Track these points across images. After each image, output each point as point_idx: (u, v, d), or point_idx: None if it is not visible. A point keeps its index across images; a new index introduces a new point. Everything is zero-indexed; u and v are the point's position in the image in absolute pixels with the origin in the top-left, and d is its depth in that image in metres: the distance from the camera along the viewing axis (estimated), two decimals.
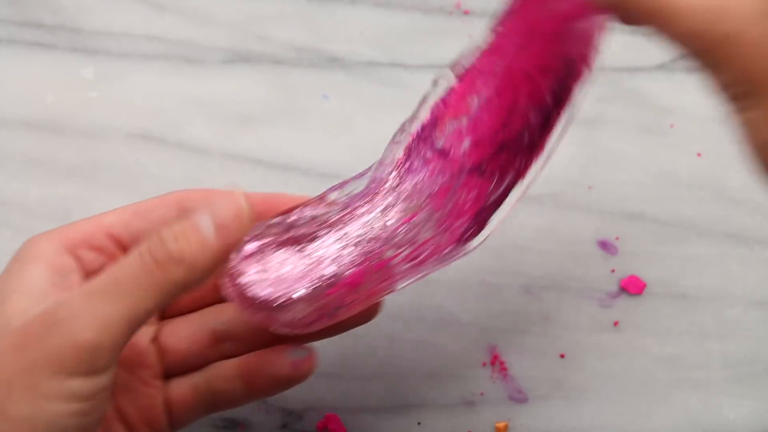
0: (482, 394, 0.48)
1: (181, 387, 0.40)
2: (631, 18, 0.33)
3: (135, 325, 0.33)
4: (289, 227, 0.37)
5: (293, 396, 0.48)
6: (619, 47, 0.52)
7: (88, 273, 0.37)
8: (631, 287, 0.49)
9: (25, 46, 0.52)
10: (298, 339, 0.40)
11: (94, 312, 0.32)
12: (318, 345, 0.49)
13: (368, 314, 0.41)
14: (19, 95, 0.52)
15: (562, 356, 0.48)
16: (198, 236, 0.34)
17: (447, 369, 0.48)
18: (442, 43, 0.52)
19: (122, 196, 0.50)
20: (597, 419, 0.48)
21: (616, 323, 0.49)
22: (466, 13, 0.52)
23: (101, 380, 0.33)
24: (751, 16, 0.29)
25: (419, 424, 0.48)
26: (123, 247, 0.38)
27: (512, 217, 0.49)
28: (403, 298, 0.49)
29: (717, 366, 0.48)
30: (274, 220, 0.38)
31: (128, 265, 0.33)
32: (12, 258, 0.37)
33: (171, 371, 0.40)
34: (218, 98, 0.52)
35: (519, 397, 0.48)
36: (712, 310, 0.49)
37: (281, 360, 0.39)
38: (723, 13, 0.30)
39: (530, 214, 0.50)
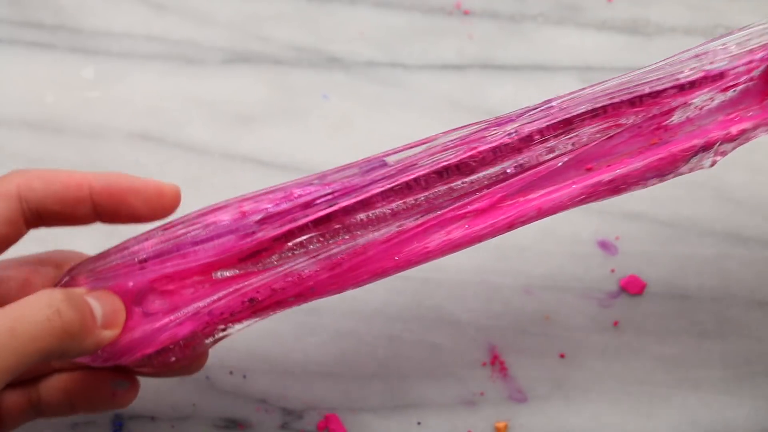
0: (482, 394, 0.48)
1: (13, 397, 0.40)
2: None
3: (14, 376, 0.33)
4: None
5: (293, 396, 0.48)
6: (618, 47, 0.52)
7: None
8: (631, 287, 0.49)
9: (26, 46, 0.52)
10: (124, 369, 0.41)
11: None
12: (318, 345, 0.49)
13: (197, 364, 0.41)
14: (19, 95, 0.52)
15: (562, 356, 0.48)
16: (93, 320, 0.36)
17: (447, 369, 0.48)
18: (442, 43, 0.52)
19: None
20: (597, 419, 0.48)
21: (616, 323, 0.49)
22: (466, 13, 0.52)
23: None
24: None
25: (419, 424, 0.48)
26: None
27: None
28: (403, 298, 0.49)
29: (717, 366, 0.48)
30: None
31: (27, 320, 0.33)
32: None
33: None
34: (218, 98, 0.52)
35: (519, 397, 0.48)
36: (712, 310, 0.49)
37: (103, 387, 0.40)
38: None
39: None
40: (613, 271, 0.49)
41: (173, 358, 0.38)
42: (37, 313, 0.34)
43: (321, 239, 0.37)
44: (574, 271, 0.49)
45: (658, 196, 0.50)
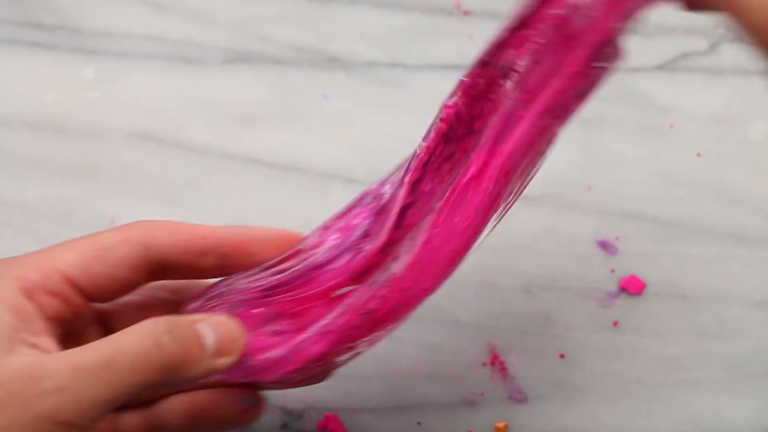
0: (482, 394, 0.48)
1: (132, 420, 0.40)
2: (699, 3, 0.34)
3: (113, 408, 0.33)
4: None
5: (293, 395, 0.48)
6: None
7: (48, 318, 0.36)
8: (631, 287, 0.49)
9: (26, 47, 0.52)
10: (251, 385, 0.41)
11: (80, 394, 0.32)
12: None
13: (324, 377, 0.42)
14: (19, 95, 0.52)
15: (562, 356, 0.48)
16: (201, 348, 0.35)
17: (447, 369, 0.48)
18: (442, 43, 0.52)
19: (122, 196, 0.50)
20: (597, 419, 0.48)
21: (616, 323, 0.49)
22: (466, 13, 0.52)
23: None
24: None
25: (419, 424, 0.48)
26: (80, 290, 0.37)
27: (512, 216, 0.49)
28: None
29: (717, 366, 0.48)
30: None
31: (125, 352, 0.33)
32: None
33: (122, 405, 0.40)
34: (218, 98, 0.52)
35: (519, 397, 0.48)
36: (712, 310, 0.49)
37: (231, 404, 0.40)
38: None
39: (530, 214, 0.50)
40: (613, 271, 0.49)
41: (306, 375, 0.38)
42: (136, 344, 0.33)
43: (403, 240, 0.38)
44: (574, 271, 0.49)
45: (658, 196, 0.50)
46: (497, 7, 0.53)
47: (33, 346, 0.34)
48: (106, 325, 0.39)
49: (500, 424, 0.48)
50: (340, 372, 0.48)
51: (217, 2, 0.53)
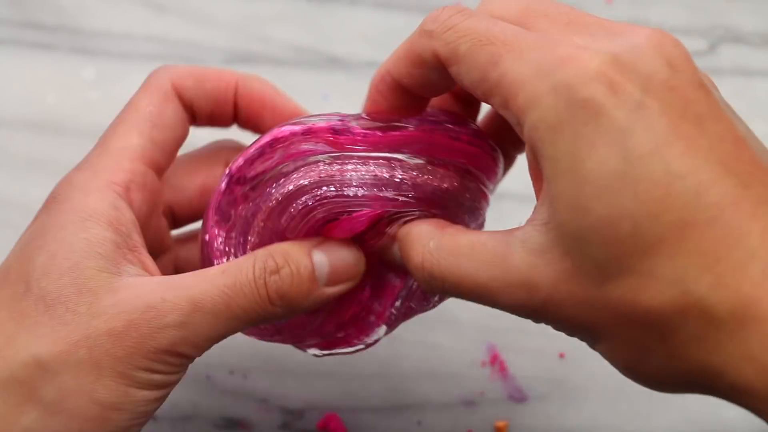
0: (482, 393, 0.48)
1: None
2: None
3: (221, 340, 0.34)
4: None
5: (293, 395, 0.48)
6: None
7: (141, 221, 0.36)
8: None
9: (26, 47, 0.53)
10: None
11: (198, 330, 0.33)
12: None
13: None
14: (19, 96, 0.52)
15: (561, 356, 0.49)
16: (312, 282, 0.35)
17: (447, 369, 0.48)
18: None
19: None
20: (597, 419, 0.48)
21: None
22: None
23: (181, 374, 0.34)
24: (554, 278, 0.30)
25: (419, 423, 0.48)
26: (157, 168, 0.37)
27: (512, 216, 0.49)
28: None
29: None
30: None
31: (241, 290, 0.33)
32: (54, 204, 0.35)
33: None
34: None
35: (519, 397, 0.48)
36: None
37: None
38: (529, 286, 0.30)
39: (530, 214, 0.50)
40: None
41: None
42: (249, 282, 0.33)
43: None
44: None
45: None
46: None
47: (136, 262, 0.34)
48: (174, 214, 0.40)
49: (500, 424, 0.48)
50: (340, 372, 0.48)
51: (218, 3, 0.53)
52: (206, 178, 0.40)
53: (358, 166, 0.34)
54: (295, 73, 0.52)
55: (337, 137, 0.34)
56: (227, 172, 0.35)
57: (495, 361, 0.48)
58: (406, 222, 0.35)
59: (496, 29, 0.31)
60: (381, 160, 0.34)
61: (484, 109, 0.39)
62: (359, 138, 0.34)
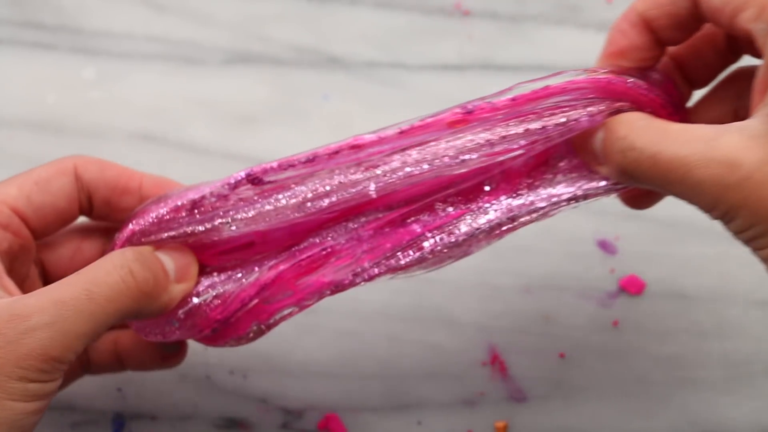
0: (482, 393, 0.48)
1: None
2: (641, 186, 0.36)
3: (95, 339, 0.34)
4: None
5: (293, 395, 0.48)
6: None
7: (2, 254, 0.37)
8: (631, 287, 0.49)
9: (27, 47, 0.53)
10: None
11: (64, 327, 0.33)
12: (318, 345, 0.49)
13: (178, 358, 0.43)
14: (20, 95, 0.52)
15: (561, 356, 0.49)
16: (166, 275, 0.37)
17: (447, 369, 0.48)
18: (442, 43, 0.52)
19: None
20: (597, 419, 0.48)
21: (615, 323, 0.49)
22: (466, 13, 0.52)
23: (57, 383, 0.34)
24: (757, 162, 0.31)
25: (419, 423, 0.48)
26: (26, 222, 0.38)
27: None
28: (403, 298, 0.49)
29: (717, 366, 0.48)
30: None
31: (102, 283, 0.34)
32: None
33: None
34: (218, 98, 0.52)
35: (519, 397, 0.48)
36: (712, 310, 0.49)
37: (152, 349, 0.42)
38: (732, 162, 0.32)
39: None
40: (612, 271, 0.49)
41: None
42: (111, 274, 0.34)
43: None
44: (573, 271, 0.49)
45: None
46: (497, 8, 0.53)
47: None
48: (44, 269, 0.41)
49: (500, 424, 0.48)
50: (340, 372, 0.48)
51: (218, 3, 0.53)
52: (81, 242, 0.41)
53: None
54: (295, 73, 0.52)
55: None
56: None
57: (495, 361, 0.48)
58: None
59: None
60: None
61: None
62: None
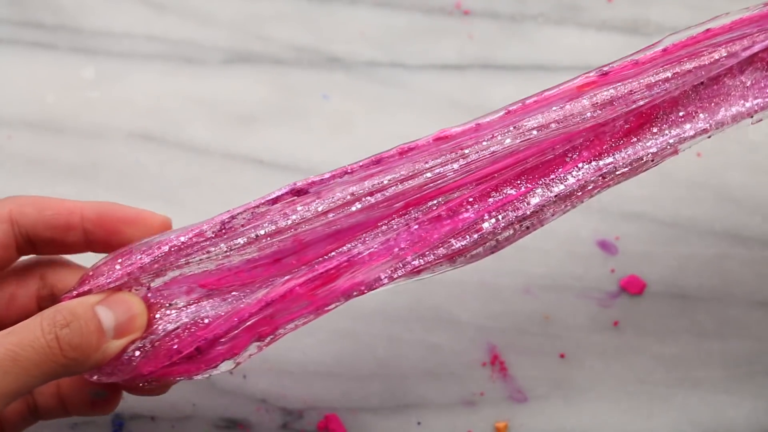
0: (482, 394, 0.48)
1: (13, 403, 0.40)
2: None
3: (17, 398, 0.34)
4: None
5: (293, 396, 0.48)
6: (618, 47, 0.52)
7: None
8: (631, 287, 0.49)
9: (26, 47, 0.52)
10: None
11: None
12: (318, 345, 0.49)
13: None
14: (19, 95, 0.52)
15: (562, 356, 0.48)
16: (100, 334, 0.35)
17: (447, 369, 0.48)
18: (442, 43, 0.52)
19: (122, 196, 0.50)
20: (597, 419, 0.48)
21: (616, 323, 0.49)
22: (466, 13, 0.52)
23: None
24: None
25: (419, 423, 0.48)
26: None
27: None
28: (402, 298, 0.49)
29: (717, 366, 0.48)
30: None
31: (30, 345, 0.34)
32: None
33: None
34: (218, 98, 0.52)
35: (519, 397, 0.48)
36: (712, 310, 0.49)
37: (84, 393, 0.40)
38: None
39: None
40: (613, 271, 0.49)
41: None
42: (38, 339, 0.34)
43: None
44: (573, 271, 0.49)
45: (658, 196, 0.50)
46: (497, 7, 0.53)
47: None
48: None
49: (500, 424, 0.48)
50: (339, 372, 0.48)
51: (218, 2, 0.53)
52: (16, 288, 0.40)
53: None
54: (295, 72, 0.52)
55: None
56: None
57: (495, 361, 0.48)
58: None
59: None
60: None
61: None
62: None
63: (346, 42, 0.52)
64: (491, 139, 0.37)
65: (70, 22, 0.53)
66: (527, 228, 0.38)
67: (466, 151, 0.37)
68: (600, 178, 0.37)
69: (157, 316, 0.37)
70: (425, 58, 0.52)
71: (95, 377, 0.37)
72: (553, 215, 0.38)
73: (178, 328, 0.37)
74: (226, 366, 0.37)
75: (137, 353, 0.37)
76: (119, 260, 0.37)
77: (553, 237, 0.49)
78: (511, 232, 0.38)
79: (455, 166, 0.37)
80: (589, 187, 0.37)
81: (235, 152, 0.51)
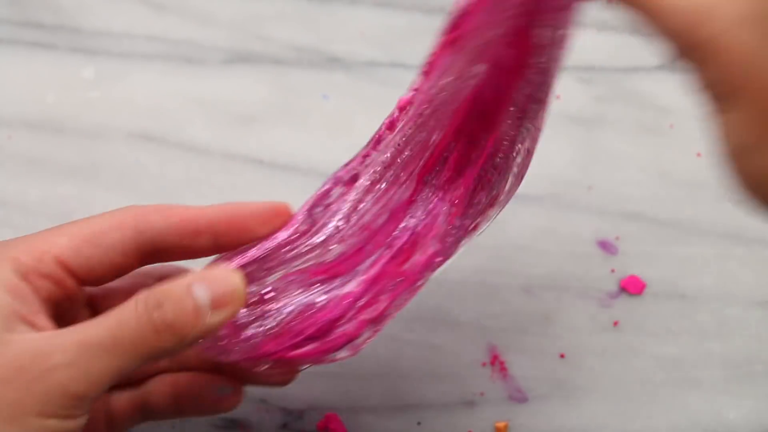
0: (482, 394, 0.48)
1: (122, 400, 0.41)
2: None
3: (119, 379, 0.34)
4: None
5: (293, 395, 0.48)
6: (618, 47, 0.52)
7: (42, 299, 0.36)
8: (631, 287, 0.49)
9: (26, 47, 0.52)
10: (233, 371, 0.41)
11: (88, 367, 0.33)
12: None
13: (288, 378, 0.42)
14: (19, 95, 0.52)
15: (562, 356, 0.48)
16: (196, 311, 0.35)
17: (447, 369, 0.48)
18: None
19: (122, 196, 0.50)
20: (597, 419, 0.48)
21: (616, 323, 0.49)
22: None
23: (79, 421, 0.34)
24: (735, 18, 0.29)
25: (419, 424, 0.48)
26: (73, 274, 0.37)
27: (512, 216, 0.49)
28: None
29: (717, 366, 0.48)
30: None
31: (126, 325, 0.34)
32: None
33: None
34: (218, 98, 0.52)
35: (519, 397, 0.48)
36: (712, 310, 0.49)
37: (208, 391, 0.41)
38: (708, 14, 0.30)
39: (530, 214, 0.50)
40: (613, 271, 0.49)
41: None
42: (134, 319, 0.34)
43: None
44: (573, 271, 0.49)
45: (658, 196, 0.50)
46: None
47: (31, 324, 0.35)
48: (96, 309, 0.40)
49: (500, 424, 0.48)
50: (340, 372, 0.48)
51: (218, 2, 0.53)
52: (136, 287, 0.39)
53: None
54: (295, 73, 0.52)
55: None
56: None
57: (495, 361, 0.48)
58: None
59: None
60: None
61: None
62: None
63: (346, 42, 0.52)
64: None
65: (70, 22, 0.53)
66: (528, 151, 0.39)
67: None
68: None
69: (274, 303, 0.38)
70: (425, 58, 0.52)
71: (217, 354, 0.38)
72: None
73: (295, 309, 0.38)
74: (345, 352, 0.38)
75: (260, 329, 0.37)
76: (232, 260, 0.38)
77: (553, 237, 0.49)
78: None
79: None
80: None
81: (235, 152, 0.51)
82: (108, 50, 0.52)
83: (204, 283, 0.35)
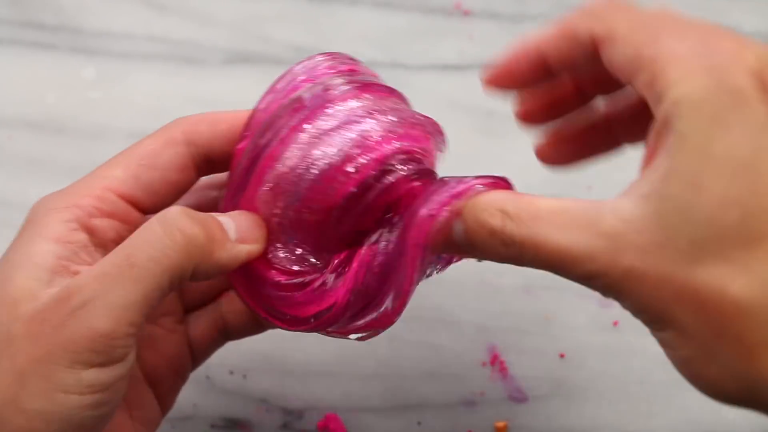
0: (482, 393, 0.48)
1: (200, 324, 0.40)
2: (524, 263, 0.33)
3: (150, 306, 0.32)
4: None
5: (293, 395, 0.48)
6: None
7: (103, 244, 0.34)
8: None
9: (26, 47, 0.53)
10: None
11: (108, 298, 0.31)
12: (318, 345, 0.49)
13: None
14: (20, 95, 0.52)
15: (562, 356, 0.49)
16: (223, 233, 0.34)
17: (447, 369, 0.48)
18: (442, 43, 0.52)
19: None
20: (597, 419, 0.48)
21: (616, 323, 0.49)
22: (466, 13, 0.52)
23: (119, 369, 0.31)
24: (642, 248, 0.29)
25: (419, 423, 0.48)
26: (136, 204, 0.35)
27: None
28: None
29: None
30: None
31: (142, 245, 0.31)
32: (23, 225, 0.34)
33: (188, 307, 0.40)
34: (218, 98, 0.52)
35: (519, 397, 0.48)
36: None
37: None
38: (616, 253, 0.30)
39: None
40: None
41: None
42: (154, 232, 0.32)
43: None
44: None
45: None
46: (497, 8, 0.53)
47: (76, 274, 0.32)
48: None
49: (500, 424, 0.48)
50: (340, 372, 0.48)
51: (218, 3, 0.53)
52: (197, 205, 0.38)
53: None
54: None
55: None
56: None
57: (495, 361, 0.48)
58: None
59: (659, 14, 0.32)
60: None
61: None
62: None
63: (346, 42, 0.52)
64: None
65: (71, 23, 0.53)
66: None
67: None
68: None
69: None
70: (425, 58, 0.52)
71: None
72: None
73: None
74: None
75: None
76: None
77: None
78: None
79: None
80: None
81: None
82: (108, 50, 0.52)
83: (227, 216, 0.34)
